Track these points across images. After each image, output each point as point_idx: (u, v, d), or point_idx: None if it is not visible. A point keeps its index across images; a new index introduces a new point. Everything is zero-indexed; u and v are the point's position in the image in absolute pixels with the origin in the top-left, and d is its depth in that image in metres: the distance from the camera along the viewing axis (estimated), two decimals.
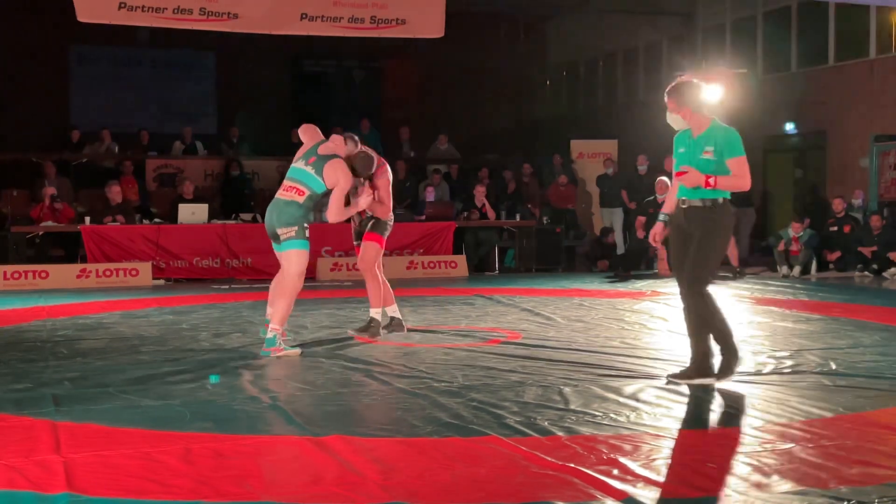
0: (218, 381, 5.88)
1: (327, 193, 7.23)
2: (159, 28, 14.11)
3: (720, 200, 5.72)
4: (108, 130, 17.30)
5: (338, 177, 7.09)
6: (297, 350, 7.03)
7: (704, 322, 5.85)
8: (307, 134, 7.48)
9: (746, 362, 6.49)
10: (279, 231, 7.11)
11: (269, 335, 6.94)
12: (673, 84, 5.83)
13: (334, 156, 7.18)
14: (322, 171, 7.10)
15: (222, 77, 21.42)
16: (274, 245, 7.34)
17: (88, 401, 5.39)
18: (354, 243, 8.14)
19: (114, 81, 20.54)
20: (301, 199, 7.08)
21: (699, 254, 5.76)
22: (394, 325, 8.00)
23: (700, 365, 5.82)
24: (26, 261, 13.02)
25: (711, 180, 5.61)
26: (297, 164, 7.24)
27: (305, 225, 7.09)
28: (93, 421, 4.84)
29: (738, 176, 5.68)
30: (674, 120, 5.86)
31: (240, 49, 19.42)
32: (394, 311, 8.03)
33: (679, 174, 5.78)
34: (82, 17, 12.70)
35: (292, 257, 7.10)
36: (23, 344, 7.57)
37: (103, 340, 7.75)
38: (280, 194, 7.22)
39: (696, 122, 5.79)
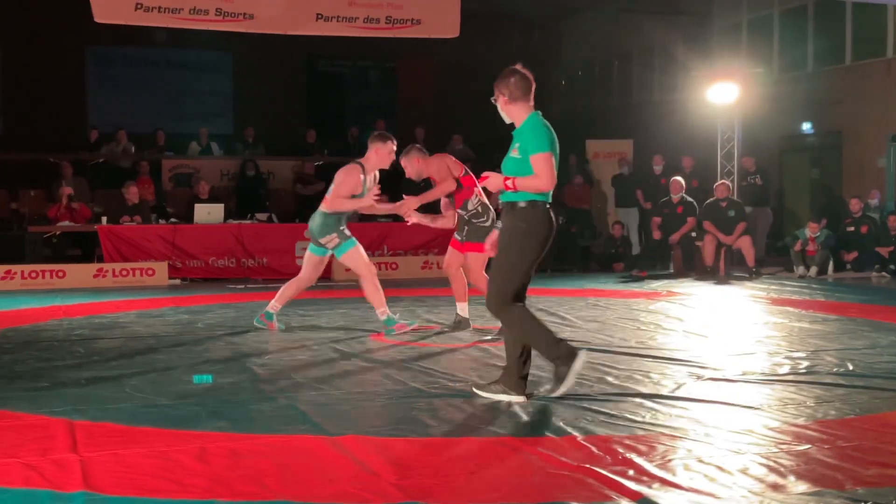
0: (209, 381, 5.88)
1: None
2: (175, 28, 14.16)
3: (521, 204, 5.15)
4: (124, 131, 17.38)
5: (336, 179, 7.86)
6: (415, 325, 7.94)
7: (517, 336, 5.33)
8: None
9: (762, 363, 6.49)
10: (322, 241, 7.85)
11: (383, 317, 7.82)
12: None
13: (355, 161, 7.87)
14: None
15: (238, 77, 21.48)
16: (318, 249, 7.99)
17: (104, 400, 5.41)
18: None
19: (130, 82, 20.62)
20: (324, 208, 7.81)
21: (496, 264, 5.33)
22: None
23: (506, 378, 5.34)
24: (43, 260, 13.10)
25: (510, 182, 5.13)
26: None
27: (342, 227, 7.84)
28: (109, 420, 4.86)
29: (537, 175, 5.09)
30: (503, 112, 5.41)
31: (255, 49, 19.44)
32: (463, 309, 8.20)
33: (482, 178, 5.37)
34: (99, 17, 12.77)
35: (353, 257, 7.87)
36: (40, 343, 7.61)
37: (119, 340, 7.78)
38: (321, 206, 7.89)
39: (513, 115, 5.32)
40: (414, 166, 7.97)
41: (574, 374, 5.29)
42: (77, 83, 20.31)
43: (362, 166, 7.93)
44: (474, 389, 5.45)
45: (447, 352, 7.11)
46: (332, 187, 7.87)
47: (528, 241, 5.21)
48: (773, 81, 17.78)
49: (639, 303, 10.39)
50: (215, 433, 4.60)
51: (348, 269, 8.60)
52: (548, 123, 5.36)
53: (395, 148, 8.01)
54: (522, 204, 5.17)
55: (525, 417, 4.88)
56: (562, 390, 5.28)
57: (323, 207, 7.83)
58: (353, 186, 7.84)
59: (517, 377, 5.32)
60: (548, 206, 5.27)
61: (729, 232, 13.77)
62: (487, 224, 7.76)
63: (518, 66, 5.49)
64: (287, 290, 8.19)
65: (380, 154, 7.93)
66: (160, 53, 20.85)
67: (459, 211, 7.97)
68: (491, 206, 7.84)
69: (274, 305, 8.20)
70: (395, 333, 7.79)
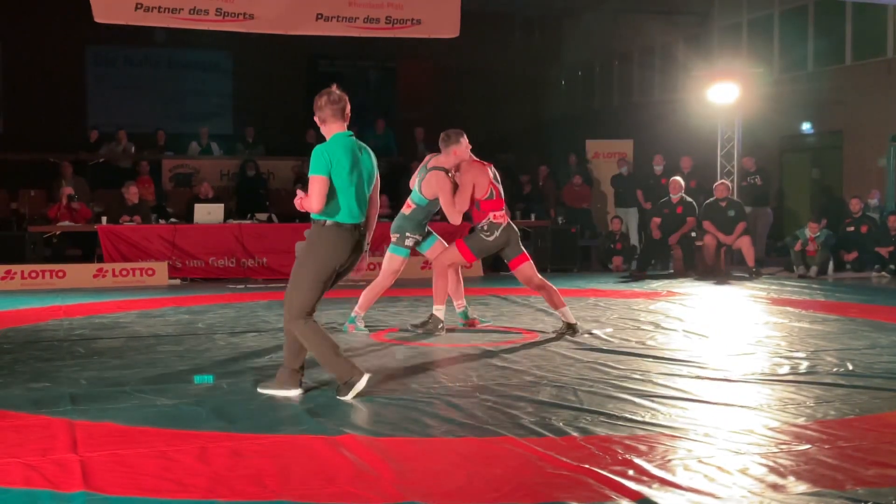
0: (210, 381, 5.88)
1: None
2: (175, 28, 14.16)
3: (321, 222, 5.38)
4: (124, 131, 17.39)
5: (433, 189, 7.82)
6: (367, 332, 7.99)
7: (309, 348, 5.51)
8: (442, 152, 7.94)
9: (762, 363, 6.49)
10: (391, 237, 8.07)
11: (353, 314, 8.10)
12: None
13: (435, 168, 7.78)
14: (420, 184, 7.93)
15: (238, 77, 21.49)
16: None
17: (105, 400, 5.41)
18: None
19: (130, 82, 20.64)
20: (408, 213, 8.00)
21: (292, 277, 5.50)
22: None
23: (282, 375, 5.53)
24: (43, 260, 13.09)
25: (297, 201, 5.42)
26: (414, 183, 8.05)
27: (407, 234, 7.97)
28: (109, 420, 4.87)
29: (310, 195, 5.32)
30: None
31: (255, 49, 19.46)
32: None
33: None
34: (99, 17, 12.76)
35: (390, 260, 8.08)
36: (40, 343, 7.61)
37: (120, 340, 7.78)
38: (403, 208, 8.10)
39: (326, 135, 5.51)
40: (451, 159, 7.85)
41: (355, 392, 5.35)
42: (77, 83, 20.32)
43: (446, 171, 7.85)
44: (259, 389, 5.59)
45: (447, 352, 7.11)
46: (441, 197, 7.74)
47: (318, 258, 5.43)
48: (773, 81, 17.78)
49: (639, 303, 10.39)
50: (215, 433, 4.61)
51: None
52: (348, 145, 5.45)
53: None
54: (321, 222, 5.44)
55: (525, 418, 4.88)
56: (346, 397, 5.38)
57: (405, 210, 8.00)
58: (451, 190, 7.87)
59: (346, 365, 5.45)
60: (341, 224, 5.40)
61: (729, 232, 13.78)
62: (490, 238, 7.90)
63: (334, 87, 5.60)
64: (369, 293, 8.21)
65: (460, 152, 7.83)
66: (160, 53, 20.86)
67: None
68: (501, 224, 7.91)
69: (357, 311, 8.22)
70: (346, 329, 8.08)
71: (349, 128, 5.55)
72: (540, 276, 8.13)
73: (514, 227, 8.09)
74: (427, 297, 10.28)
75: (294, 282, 5.50)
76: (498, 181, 8.02)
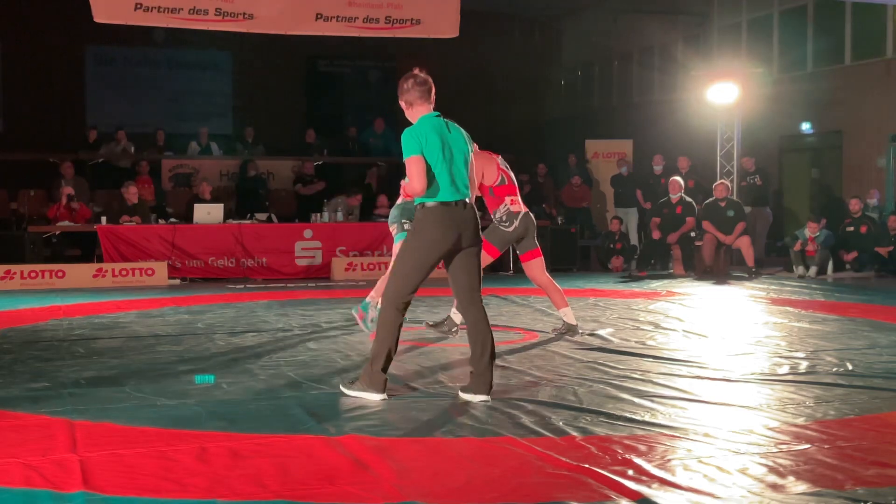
0: (210, 381, 5.88)
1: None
2: (175, 28, 14.16)
3: (422, 205, 5.26)
4: (123, 131, 17.38)
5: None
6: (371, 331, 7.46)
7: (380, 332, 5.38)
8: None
9: (762, 363, 6.49)
10: (391, 228, 7.91)
11: (367, 298, 7.91)
12: None
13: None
14: None
15: (238, 77, 21.47)
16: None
17: (104, 400, 5.41)
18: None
19: (130, 82, 20.61)
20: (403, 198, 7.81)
21: (395, 261, 5.46)
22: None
23: (369, 376, 5.37)
24: (43, 260, 13.09)
25: (402, 191, 5.34)
26: None
27: (404, 221, 7.72)
28: (109, 420, 4.87)
29: (409, 179, 5.23)
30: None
31: (255, 49, 19.45)
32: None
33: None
34: (99, 17, 12.76)
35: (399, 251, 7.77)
36: (39, 343, 7.61)
37: (119, 340, 7.78)
38: (399, 198, 7.94)
39: (413, 118, 5.41)
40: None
41: (358, 394, 5.35)
42: (77, 83, 20.30)
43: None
44: (342, 388, 5.50)
45: (448, 352, 7.11)
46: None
47: (421, 241, 5.29)
48: (773, 81, 17.78)
49: (639, 303, 10.40)
50: (215, 433, 4.61)
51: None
52: (436, 125, 5.38)
53: None
54: (423, 205, 5.30)
55: (524, 418, 4.88)
56: (347, 390, 5.43)
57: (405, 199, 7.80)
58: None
59: (381, 376, 5.34)
60: (446, 203, 5.26)
61: (728, 232, 13.78)
62: (510, 229, 7.80)
63: (419, 70, 5.56)
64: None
65: None
66: (160, 53, 20.83)
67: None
68: (519, 212, 7.83)
69: (372, 296, 7.99)
70: (357, 314, 8.00)
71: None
72: (548, 275, 8.03)
73: (532, 217, 7.99)
74: (426, 298, 10.28)
75: (395, 265, 5.38)
76: (509, 169, 8.00)
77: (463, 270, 5.37)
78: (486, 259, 7.79)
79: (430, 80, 5.48)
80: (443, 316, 8.35)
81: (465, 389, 5.37)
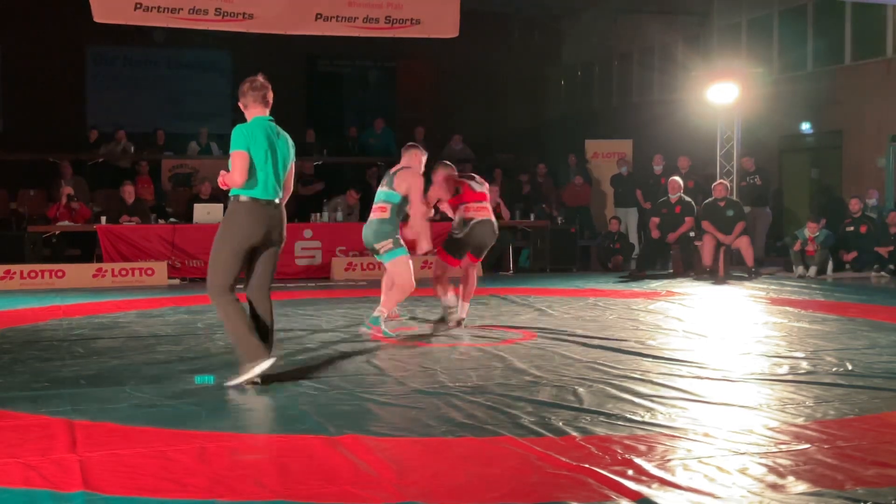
0: (210, 381, 5.88)
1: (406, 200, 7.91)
2: (175, 28, 14.16)
3: (237, 197, 5.64)
4: (123, 131, 17.38)
5: (408, 183, 7.82)
6: (394, 337, 7.75)
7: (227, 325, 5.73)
8: (403, 158, 8.11)
9: (762, 363, 6.49)
10: (377, 246, 7.86)
11: (375, 314, 7.86)
12: None
13: (403, 167, 7.86)
14: (392, 182, 7.86)
15: (237, 77, 21.34)
16: (377, 256, 8.06)
17: (104, 400, 5.41)
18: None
19: (129, 82, 20.62)
20: (388, 216, 7.83)
21: (211, 254, 5.73)
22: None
23: (246, 354, 5.68)
24: (43, 260, 13.09)
25: (220, 180, 5.67)
26: (380, 188, 8.00)
27: (398, 236, 7.85)
28: (109, 420, 4.87)
29: (231, 170, 5.60)
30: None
31: (255, 49, 19.44)
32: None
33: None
34: (98, 17, 12.76)
35: (400, 264, 7.83)
36: (39, 343, 7.61)
37: (119, 339, 7.78)
38: (372, 215, 7.93)
39: (248, 119, 5.82)
40: (415, 162, 8.07)
41: (253, 373, 5.61)
42: (77, 83, 20.31)
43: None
44: (227, 384, 5.66)
45: (447, 352, 7.11)
46: (414, 194, 7.81)
47: (232, 234, 5.68)
48: (773, 81, 17.77)
49: (638, 303, 10.39)
50: (215, 433, 4.61)
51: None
52: (265, 127, 5.81)
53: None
54: (237, 198, 5.68)
55: (524, 418, 4.88)
56: (236, 381, 5.64)
57: (383, 215, 7.85)
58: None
59: (256, 345, 5.64)
60: (257, 200, 5.65)
61: (728, 232, 13.78)
62: (460, 236, 8.24)
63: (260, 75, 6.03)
64: (394, 294, 8.04)
65: (419, 158, 8.10)
66: (160, 53, 20.84)
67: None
68: (472, 219, 8.23)
69: (381, 309, 7.98)
70: (368, 332, 7.83)
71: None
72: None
73: (494, 227, 8.28)
74: (425, 298, 10.30)
75: (212, 258, 5.71)
76: (474, 179, 8.49)
77: (262, 266, 5.84)
78: (443, 266, 8.24)
79: (268, 86, 5.93)
80: (439, 314, 8.43)
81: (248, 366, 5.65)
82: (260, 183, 5.63)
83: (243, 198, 5.64)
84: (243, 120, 6.00)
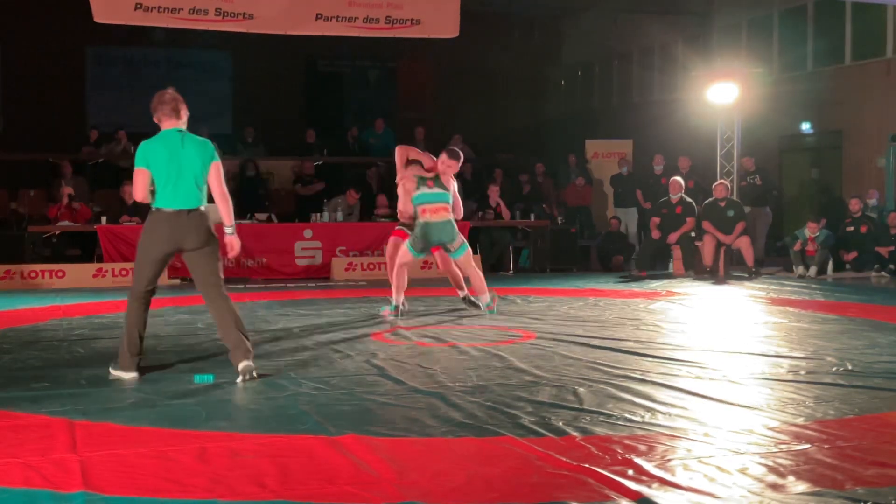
0: (210, 381, 5.88)
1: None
2: (175, 28, 14.16)
3: (150, 209, 6.01)
4: (124, 131, 17.37)
5: (452, 184, 8.94)
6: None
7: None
8: (414, 155, 9.17)
9: (762, 363, 6.49)
10: (451, 245, 8.95)
11: (485, 301, 9.25)
12: None
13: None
14: (442, 184, 8.84)
15: (237, 77, 21.47)
16: (449, 253, 9.11)
17: (105, 400, 5.41)
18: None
19: (129, 82, 20.60)
20: (450, 215, 8.88)
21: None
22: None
23: (123, 359, 6.06)
24: (43, 260, 13.10)
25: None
26: (432, 190, 8.81)
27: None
28: (109, 420, 4.87)
29: (133, 187, 6.10)
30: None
31: (255, 49, 19.45)
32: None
33: None
34: (99, 17, 12.76)
35: (470, 257, 9.14)
36: (40, 343, 7.61)
37: (119, 339, 7.75)
38: (435, 217, 8.81)
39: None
40: (427, 161, 9.11)
41: (116, 374, 6.02)
42: (77, 83, 20.32)
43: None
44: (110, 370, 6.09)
45: (447, 352, 7.11)
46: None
47: (142, 241, 6.07)
48: (773, 81, 17.78)
49: (638, 303, 10.39)
50: (215, 433, 4.61)
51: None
52: (169, 139, 6.10)
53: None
54: (152, 209, 6.03)
55: (524, 418, 4.88)
56: (111, 370, 6.08)
57: (449, 216, 8.86)
58: None
59: (129, 359, 6.05)
60: (160, 210, 5.96)
61: (728, 232, 13.78)
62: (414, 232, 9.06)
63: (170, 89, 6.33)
64: (474, 278, 9.27)
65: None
66: (160, 53, 20.84)
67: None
68: (419, 220, 8.95)
69: (483, 297, 9.34)
70: (493, 312, 9.18)
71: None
72: (455, 268, 9.26)
73: (434, 224, 8.88)
74: (425, 297, 10.30)
75: (135, 263, 6.16)
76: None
77: (197, 269, 6.04)
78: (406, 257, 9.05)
79: (179, 98, 6.24)
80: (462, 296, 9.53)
81: (239, 367, 5.92)
82: (167, 194, 5.90)
83: (153, 209, 5.97)
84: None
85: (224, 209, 6.08)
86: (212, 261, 6.01)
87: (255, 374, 5.90)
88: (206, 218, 6.00)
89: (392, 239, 9.43)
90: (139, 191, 5.96)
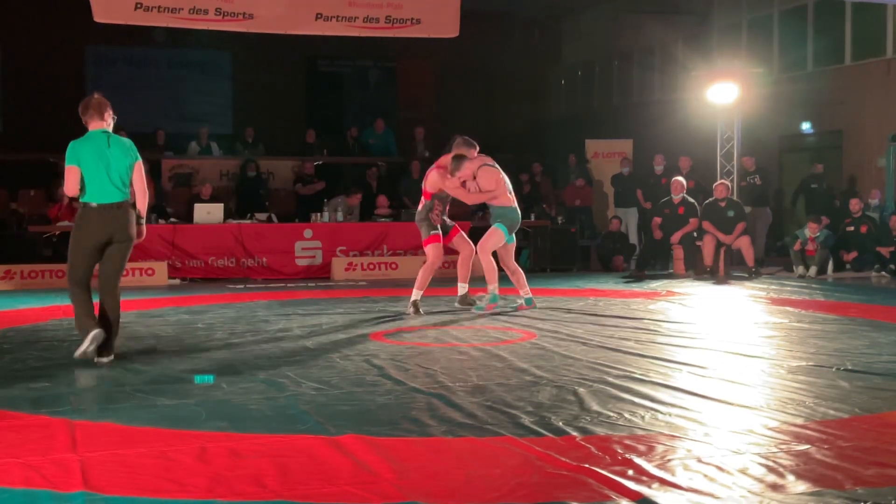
0: (210, 381, 5.88)
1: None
2: (175, 28, 14.16)
3: (81, 203, 6.59)
4: (123, 131, 17.33)
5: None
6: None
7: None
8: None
9: (762, 363, 6.48)
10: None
11: (527, 295, 9.75)
12: None
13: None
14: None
15: (238, 77, 21.48)
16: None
17: (104, 400, 5.41)
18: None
19: (129, 82, 20.59)
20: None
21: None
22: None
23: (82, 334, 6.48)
24: (43, 260, 13.09)
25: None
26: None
27: None
28: (109, 420, 4.86)
29: (64, 183, 6.63)
30: None
31: (255, 49, 19.46)
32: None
33: None
34: (99, 17, 12.76)
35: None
36: (39, 343, 7.61)
37: (119, 340, 7.74)
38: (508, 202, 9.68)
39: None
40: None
41: (85, 344, 6.33)
42: (77, 83, 20.29)
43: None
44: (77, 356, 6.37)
45: (447, 352, 7.11)
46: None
47: (74, 234, 6.63)
48: (773, 81, 17.78)
49: (638, 303, 10.39)
50: (215, 433, 4.60)
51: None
52: (95, 139, 6.68)
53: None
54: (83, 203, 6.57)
55: (524, 418, 4.88)
56: (79, 351, 6.36)
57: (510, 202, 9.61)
58: None
59: (87, 322, 6.47)
60: (88, 205, 6.56)
61: (728, 232, 13.78)
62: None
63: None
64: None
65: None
66: (160, 53, 20.84)
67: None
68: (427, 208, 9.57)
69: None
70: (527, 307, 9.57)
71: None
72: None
73: (421, 212, 9.69)
74: (426, 298, 10.29)
75: (68, 252, 6.61)
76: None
77: (108, 260, 6.62)
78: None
79: (105, 102, 6.74)
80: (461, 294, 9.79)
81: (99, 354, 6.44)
82: (95, 190, 6.51)
83: (83, 203, 6.54)
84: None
85: (141, 203, 6.79)
86: (124, 257, 6.64)
87: (93, 349, 6.32)
88: (131, 213, 6.63)
89: (432, 245, 9.54)
90: (70, 186, 6.53)
